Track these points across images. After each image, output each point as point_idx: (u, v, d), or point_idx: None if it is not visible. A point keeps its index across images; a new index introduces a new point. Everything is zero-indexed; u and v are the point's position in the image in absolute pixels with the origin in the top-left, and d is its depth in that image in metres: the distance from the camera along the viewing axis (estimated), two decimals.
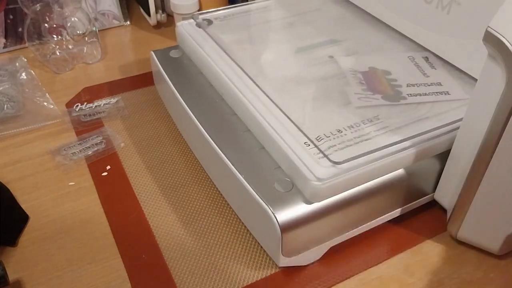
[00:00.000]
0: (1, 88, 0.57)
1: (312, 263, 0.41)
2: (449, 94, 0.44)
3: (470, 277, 0.40)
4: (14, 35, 0.68)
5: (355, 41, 0.52)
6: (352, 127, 0.40)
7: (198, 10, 0.70)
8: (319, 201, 0.37)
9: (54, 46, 0.64)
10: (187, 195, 0.47)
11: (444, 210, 0.43)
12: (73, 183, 0.49)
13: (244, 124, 0.44)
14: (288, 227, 0.36)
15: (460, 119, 0.40)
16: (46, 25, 0.62)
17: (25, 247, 0.43)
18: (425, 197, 0.44)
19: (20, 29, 0.68)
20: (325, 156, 0.37)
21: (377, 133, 0.39)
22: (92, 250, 0.42)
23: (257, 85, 0.44)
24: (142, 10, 0.77)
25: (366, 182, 0.38)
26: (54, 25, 0.63)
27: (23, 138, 0.54)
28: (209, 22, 0.55)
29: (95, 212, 0.46)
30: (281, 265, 0.39)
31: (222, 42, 0.51)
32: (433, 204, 0.44)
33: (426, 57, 0.49)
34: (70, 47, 0.65)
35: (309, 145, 0.38)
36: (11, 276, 0.40)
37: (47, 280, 0.40)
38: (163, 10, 0.74)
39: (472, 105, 0.36)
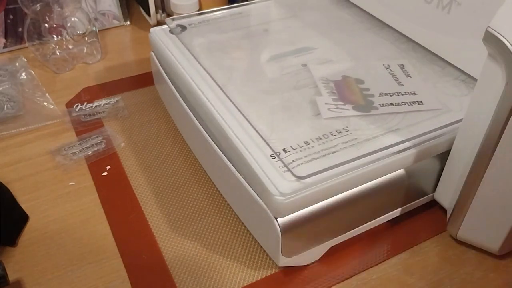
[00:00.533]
0: (1, 88, 0.57)
1: (312, 263, 0.41)
2: (422, 104, 0.43)
3: (470, 277, 0.41)
4: (14, 35, 0.68)
5: (331, 48, 0.51)
6: (320, 138, 0.39)
7: (198, 10, 0.70)
8: (283, 216, 0.36)
9: (54, 46, 0.64)
10: (187, 195, 0.47)
11: (444, 210, 0.43)
12: (73, 183, 0.49)
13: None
14: (288, 227, 0.36)
15: (430, 131, 0.39)
16: (46, 25, 0.62)
17: (25, 247, 0.43)
18: (425, 197, 0.44)
19: (20, 29, 0.68)
20: (289, 169, 0.36)
21: (344, 145, 0.38)
22: (92, 250, 0.42)
23: (225, 94, 0.43)
24: (142, 10, 0.77)
25: (333, 196, 0.37)
26: (54, 25, 0.63)
27: (23, 138, 0.54)
28: (183, 28, 0.54)
29: (95, 212, 0.46)
30: (281, 265, 0.39)
31: (194, 49, 0.50)
32: (433, 204, 0.44)
33: (402, 65, 0.48)
34: (70, 47, 0.65)
35: (275, 158, 0.37)
36: (11, 276, 0.40)
37: (47, 280, 0.40)
38: (163, 10, 0.74)
39: (472, 105, 0.36)
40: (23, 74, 0.61)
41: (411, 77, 0.46)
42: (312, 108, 0.42)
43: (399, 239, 0.43)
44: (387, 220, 0.43)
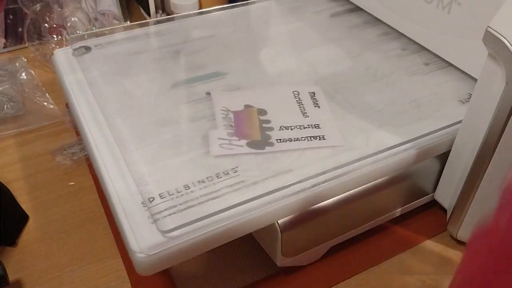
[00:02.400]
0: (1, 88, 0.57)
1: (312, 263, 0.41)
2: (324, 139, 0.38)
3: None
4: (14, 35, 0.68)
5: (242, 73, 0.46)
6: (204, 181, 0.34)
7: (199, 9, 0.70)
8: (149, 274, 0.31)
9: (54, 46, 0.64)
10: None
11: (444, 210, 0.43)
12: (73, 183, 0.49)
13: None
14: (287, 227, 0.36)
15: (325, 172, 0.35)
16: (46, 25, 0.62)
17: (25, 247, 0.43)
18: (425, 197, 0.44)
19: (20, 29, 0.68)
20: (154, 221, 0.31)
21: (228, 190, 0.34)
22: (92, 250, 0.42)
23: (109, 127, 0.39)
24: (142, 10, 0.77)
25: (211, 248, 0.33)
26: (54, 25, 0.63)
27: (23, 138, 0.54)
28: (87, 49, 0.49)
29: (95, 212, 0.46)
30: (280, 265, 0.39)
31: (91, 74, 0.45)
32: (433, 204, 0.44)
33: (313, 93, 0.43)
34: None
35: (146, 206, 0.33)
36: (11, 276, 0.40)
37: (47, 280, 0.40)
38: (163, 10, 0.74)
39: (472, 105, 0.36)
40: (23, 74, 0.61)
41: (319, 107, 0.41)
42: (204, 144, 0.38)
43: (399, 239, 0.43)
44: (387, 220, 0.43)
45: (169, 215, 0.32)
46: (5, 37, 0.67)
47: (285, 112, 0.41)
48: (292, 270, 0.41)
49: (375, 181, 0.39)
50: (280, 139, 0.38)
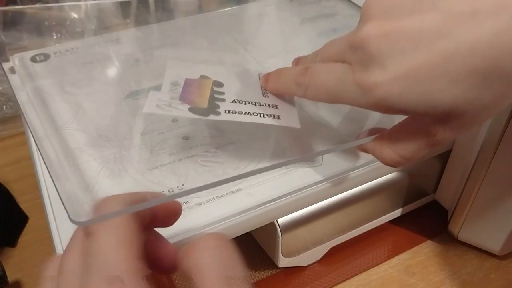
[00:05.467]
0: (0, 88, 0.57)
1: (312, 263, 0.41)
2: (279, 118, 0.33)
3: (471, 277, 0.40)
4: None
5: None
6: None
7: (199, 7, 0.69)
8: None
9: (54, 45, 0.64)
10: None
11: (445, 211, 0.43)
12: None
13: None
14: (288, 228, 0.36)
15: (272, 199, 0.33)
16: (46, 22, 0.62)
17: (25, 247, 0.43)
18: (425, 198, 0.44)
19: None
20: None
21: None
22: None
23: (53, 140, 0.37)
24: (142, 9, 0.77)
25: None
26: (54, 24, 0.63)
27: (23, 138, 0.54)
28: (46, 56, 0.47)
29: None
30: (281, 265, 0.39)
31: (46, 83, 0.43)
32: (434, 204, 0.44)
33: None
34: None
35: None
36: (11, 276, 0.40)
37: None
38: (163, 8, 0.74)
39: None
40: None
41: None
42: (151, 159, 0.35)
43: (399, 239, 0.43)
44: (388, 220, 0.43)
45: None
46: None
47: (244, 89, 0.36)
48: (292, 270, 0.41)
49: (375, 181, 0.39)
50: (228, 110, 0.33)
